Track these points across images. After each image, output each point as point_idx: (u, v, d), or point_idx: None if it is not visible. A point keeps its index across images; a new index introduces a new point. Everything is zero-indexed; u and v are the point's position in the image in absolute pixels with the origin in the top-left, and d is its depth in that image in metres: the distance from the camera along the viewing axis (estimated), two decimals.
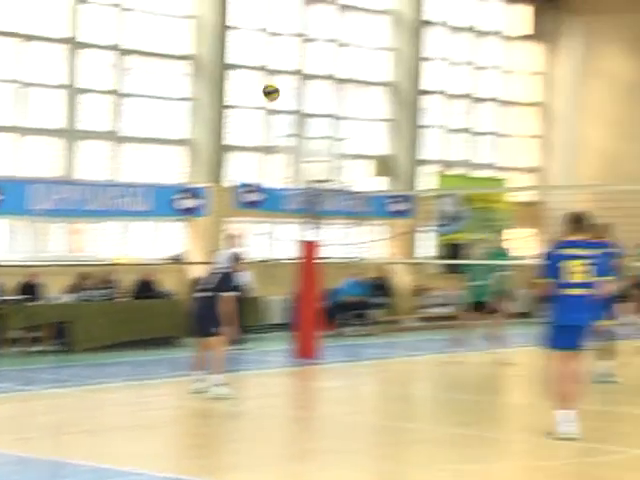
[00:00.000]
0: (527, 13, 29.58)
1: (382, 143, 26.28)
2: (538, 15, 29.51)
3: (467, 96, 28.21)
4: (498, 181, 28.40)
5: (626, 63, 28.92)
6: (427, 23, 26.84)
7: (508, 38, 29.09)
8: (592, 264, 10.14)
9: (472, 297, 17.06)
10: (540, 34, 29.58)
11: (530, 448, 10.13)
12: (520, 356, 17.04)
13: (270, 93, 14.99)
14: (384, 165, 25.94)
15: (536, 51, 29.89)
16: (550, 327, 10.22)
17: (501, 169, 28.95)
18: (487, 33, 28.64)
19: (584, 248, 10.22)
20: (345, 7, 25.39)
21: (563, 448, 9.80)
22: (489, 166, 28.92)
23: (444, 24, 27.56)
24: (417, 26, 26.36)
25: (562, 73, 29.79)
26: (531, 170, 29.82)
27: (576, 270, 10.07)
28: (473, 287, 17.05)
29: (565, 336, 10.08)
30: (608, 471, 9.07)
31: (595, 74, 29.19)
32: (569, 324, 10.08)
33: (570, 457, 9.57)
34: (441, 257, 25.18)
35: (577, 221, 10.33)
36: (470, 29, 28.21)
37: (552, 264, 10.17)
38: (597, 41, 29.11)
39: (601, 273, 10.38)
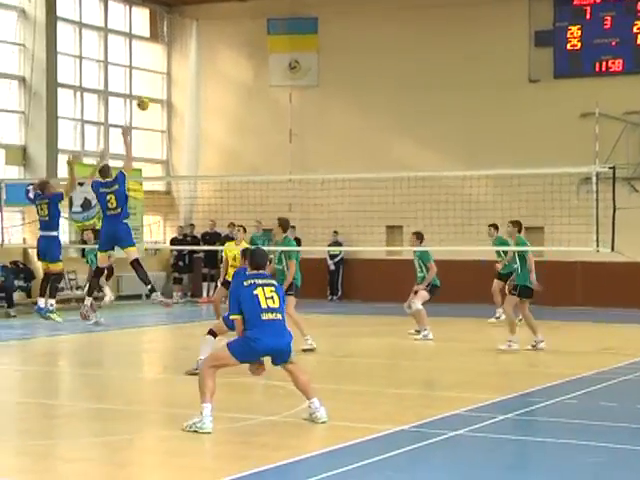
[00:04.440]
0: (145, 16, 29.73)
1: (14, 134, 25.75)
2: (155, 18, 29.64)
3: (98, 91, 28.21)
4: (134, 171, 28.57)
5: (240, 65, 29.26)
6: (58, 20, 26.43)
7: (132, 38, 29.24)
8: None
9: None
10: (158, 36, 29.77)
11: (164, 418, 10.23)
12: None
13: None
14: (16, 155, 25.46)
15: (157, 51, 30.05)
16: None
17: (133, 160, 29.15)
18: (114, 32, 28.66)
19: None
20: None
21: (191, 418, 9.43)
22: (121, 157, 29.06)
23: (74, 22, 27.32)
24: (47, 22, 25.78)
25: (182, 73, 29.89)
26: (159, 162, 30.22)
27: None
28: None
29: None
30: (254, 436, 9.05)
31: (213, 74, 29.43)
32: None
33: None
34: (81, 242, 24.90)
35: None
36: (98, 28, 28.12)
37: None
38: (213, 44, 29.33)
39: None
